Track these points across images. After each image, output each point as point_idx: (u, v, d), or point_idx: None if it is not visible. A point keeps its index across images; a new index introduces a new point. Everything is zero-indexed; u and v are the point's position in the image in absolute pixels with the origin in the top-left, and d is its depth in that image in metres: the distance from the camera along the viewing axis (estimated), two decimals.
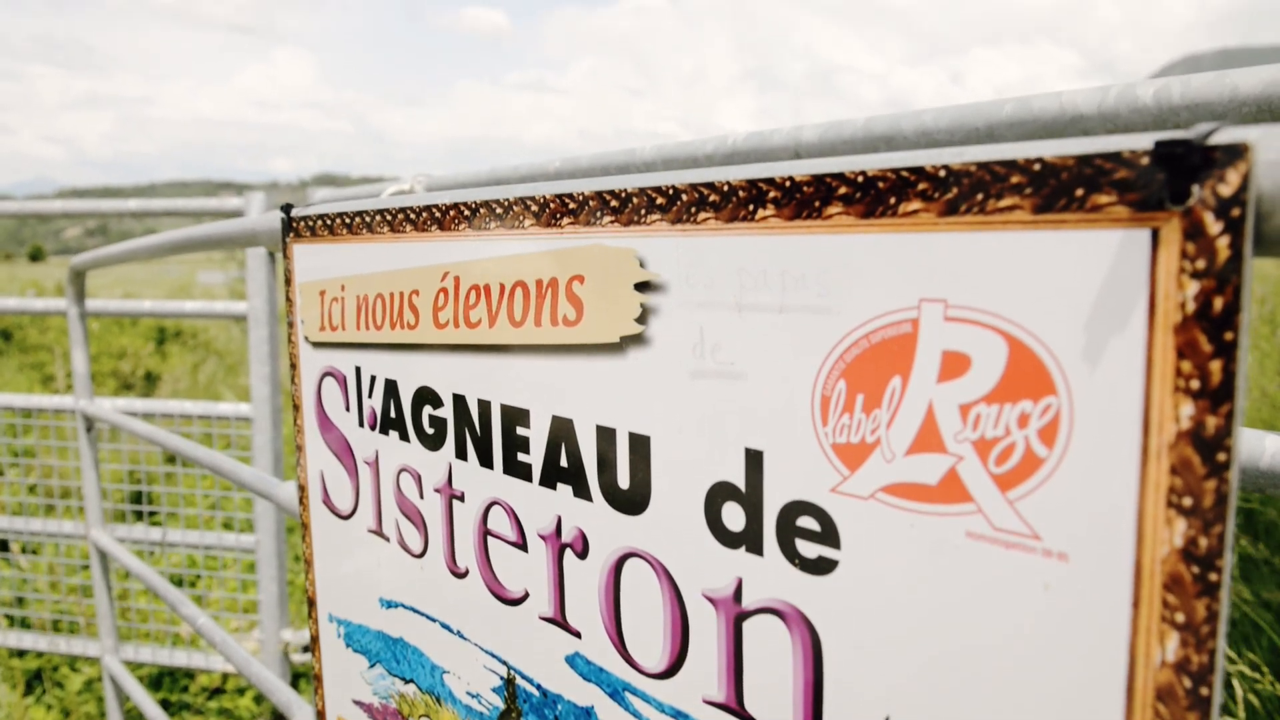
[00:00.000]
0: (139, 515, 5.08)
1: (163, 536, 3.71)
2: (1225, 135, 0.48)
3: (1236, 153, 0.47)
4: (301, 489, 1.33)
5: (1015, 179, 0.54)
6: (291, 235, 1.27)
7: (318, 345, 1.24)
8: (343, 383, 1.20)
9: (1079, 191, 0.52)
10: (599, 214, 0.79)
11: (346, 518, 1.24)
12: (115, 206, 3.31)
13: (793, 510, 0.68)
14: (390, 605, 1.17)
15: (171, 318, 3.42)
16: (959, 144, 1.23)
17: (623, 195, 0.77)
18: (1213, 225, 0.48)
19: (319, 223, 1.20)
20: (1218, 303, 0.48)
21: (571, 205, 0.82)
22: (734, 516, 0.72)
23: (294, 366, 1.30)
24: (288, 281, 1.29)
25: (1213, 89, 1.06)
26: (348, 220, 1.14)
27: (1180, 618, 0.50)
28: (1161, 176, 0.49)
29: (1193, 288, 0.48)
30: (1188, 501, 0.49)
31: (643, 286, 0.76)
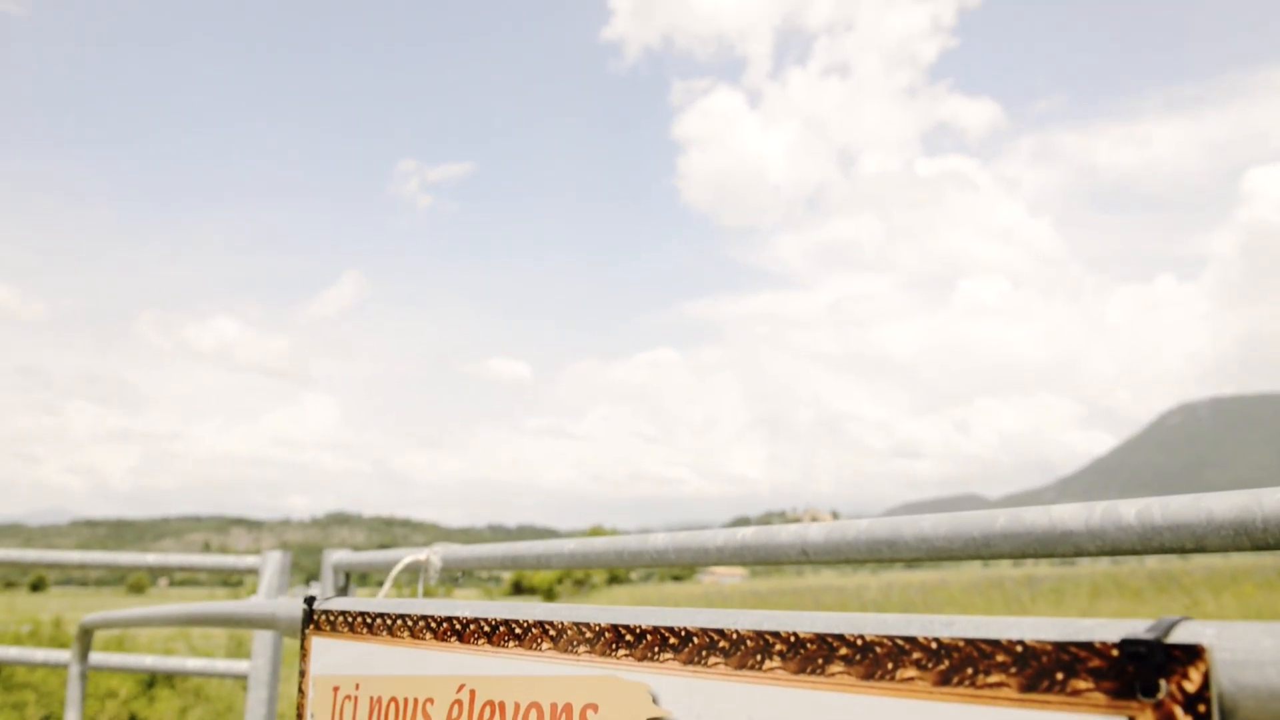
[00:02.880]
0: None
1: None
2: (1184, 632, 0.54)
3: (1195, 653, 0.52)
4: None
5: (1000, 657, 0.59)
6: (311, 627, 1.30)
7: None
8: None
9: (1059, 675, 0.56)
10: (614, 646, 0.83)
11: None
12: (133, 560, 3.36)
13: None
14: None
15: (173, 674, 3.35)
16: (957, 551, 1.29)
17: (638, 631, 0.81)
18: (1183, 719, 0.52)
19: (340, 619, 1.24)
20: None
21: (588, 635, 0.86)
22: None
23: None
24: (302, 673, 1.31)
25: (1190, 512, 1.14)
26: (369, 620, 1.18)
27: None
28: (1132, 669, 0.54)
29: None
30: None
31: None
